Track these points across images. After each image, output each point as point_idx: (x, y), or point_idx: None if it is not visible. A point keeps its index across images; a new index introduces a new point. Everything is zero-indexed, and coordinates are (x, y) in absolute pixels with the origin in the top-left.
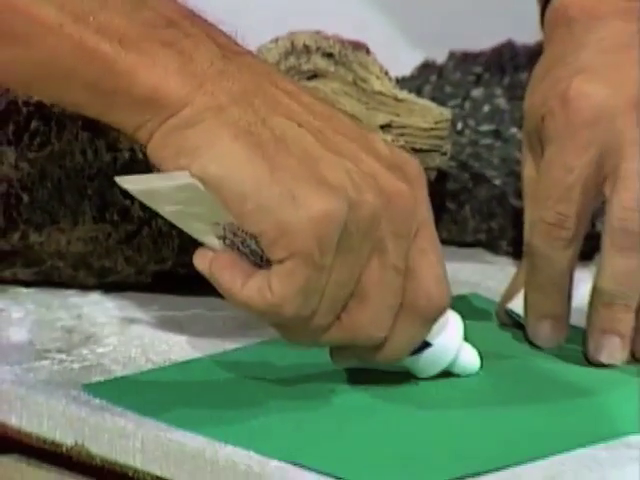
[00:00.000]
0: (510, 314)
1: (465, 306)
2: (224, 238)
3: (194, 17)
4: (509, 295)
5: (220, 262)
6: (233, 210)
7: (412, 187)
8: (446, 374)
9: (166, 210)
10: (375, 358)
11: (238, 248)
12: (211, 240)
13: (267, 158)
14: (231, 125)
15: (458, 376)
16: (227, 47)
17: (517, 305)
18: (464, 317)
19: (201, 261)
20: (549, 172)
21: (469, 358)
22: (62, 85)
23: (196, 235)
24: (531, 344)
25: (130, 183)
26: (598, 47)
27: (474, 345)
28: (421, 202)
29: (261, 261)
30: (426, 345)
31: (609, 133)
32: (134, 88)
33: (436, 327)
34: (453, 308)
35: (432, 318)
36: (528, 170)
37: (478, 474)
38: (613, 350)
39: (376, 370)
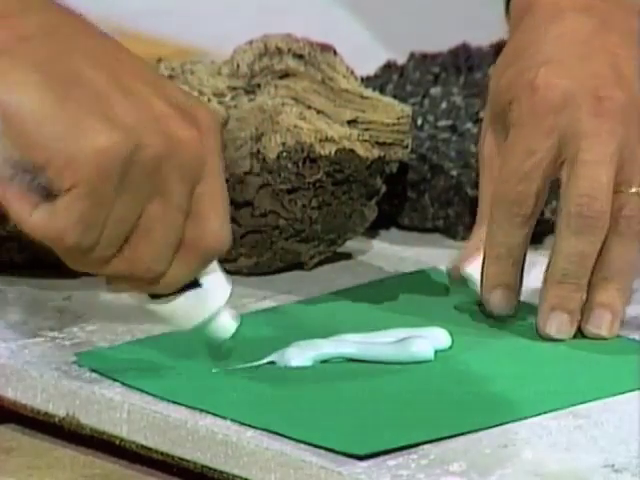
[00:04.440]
0: (466, 277)
1: (424, 279)
2: (11, 177)
3: None
4: (464, 258)
5: (11, 191)
6: (22, 138)
7: (202, 134)
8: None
9: None
10: (149, 289)
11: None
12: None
13: (58, 90)
14: (29, 56)
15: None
16: None
17: (475, 270)
18: (422, 291)
19: None
20: (513, 154)
21: (228, 320)
22: None
23: None
24: (486, 318)
25: None
26: (561, 40)
27: (432, 317)
28: (211, 150)
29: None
30: (196, 284)
31: (570, 122)
32: None
33: (207, 272)
34: (412, 282)
35: (210, 257)
36: (488, 149)
37: (437, 440)
38: (562, 325)
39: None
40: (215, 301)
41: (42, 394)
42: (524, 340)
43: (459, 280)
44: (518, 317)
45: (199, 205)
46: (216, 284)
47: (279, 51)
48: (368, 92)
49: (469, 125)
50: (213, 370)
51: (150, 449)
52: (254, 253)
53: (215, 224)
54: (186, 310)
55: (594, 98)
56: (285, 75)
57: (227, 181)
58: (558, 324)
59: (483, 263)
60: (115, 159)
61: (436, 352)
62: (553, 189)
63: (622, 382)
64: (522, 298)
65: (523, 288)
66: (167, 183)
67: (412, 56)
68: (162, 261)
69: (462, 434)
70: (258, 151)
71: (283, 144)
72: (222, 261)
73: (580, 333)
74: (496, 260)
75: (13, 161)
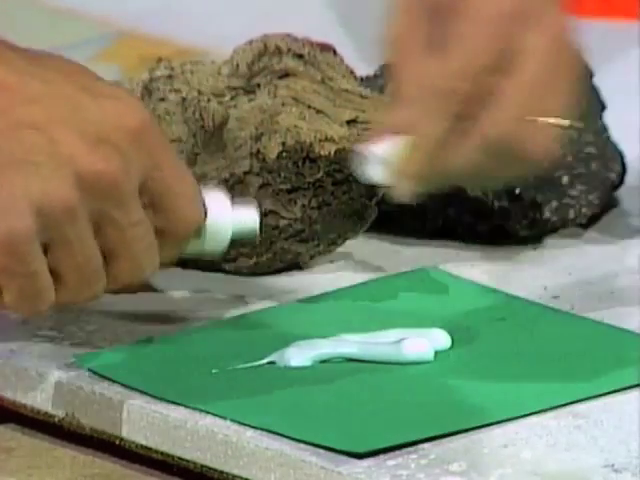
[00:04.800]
0: (369, 158)
1: (424, 279)
2: None
3: None
4: (372, 138)
5: None
6: None
7: (121, 154)
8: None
9: None
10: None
11: None
12: None
13: None
14: None
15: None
16: None
17: (383, 152)
18: (423, 291)
19: None
20: (456, 49)
21: (244, 216)
22: None
23: None
24: (486, 318)
25: None
26: None
27: (432, 317)
28: (150, 145)
29: None
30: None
31: (518, 34)
32: None
33: None
34: (412, 282)
35: (190, 232)
36: (403, 30)
37: (437, 438)
38: None
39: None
40: (224, 221)
41: (42, 394)
42: (523, 339)
43: (361, 160)
44: (517, 316)
45: (159, 198)
46: (214, 208)
47: (279, 51)
48: (368, 92)
49: None
50: (213, 370)
51: (150, 449)
52: (254, 253)
53: (182, 207)
54: (207, 247)
55: (540, 14)
56: (285, 75)
57: (227, 181)
58: None
59: (396, 149)
60: (22, 238)
61: (436, 352)
62: (553, 189)
63: (622, 377)
64: (521, 296)
65: (521, 288)
66: (101, 214)
67: None
68: (149, 265)
69: (462, 432)
70: (258, 151)
71: (283, 144)
72: (222, 261)
73: (579, 331)
74: (417, 149)
75: None
